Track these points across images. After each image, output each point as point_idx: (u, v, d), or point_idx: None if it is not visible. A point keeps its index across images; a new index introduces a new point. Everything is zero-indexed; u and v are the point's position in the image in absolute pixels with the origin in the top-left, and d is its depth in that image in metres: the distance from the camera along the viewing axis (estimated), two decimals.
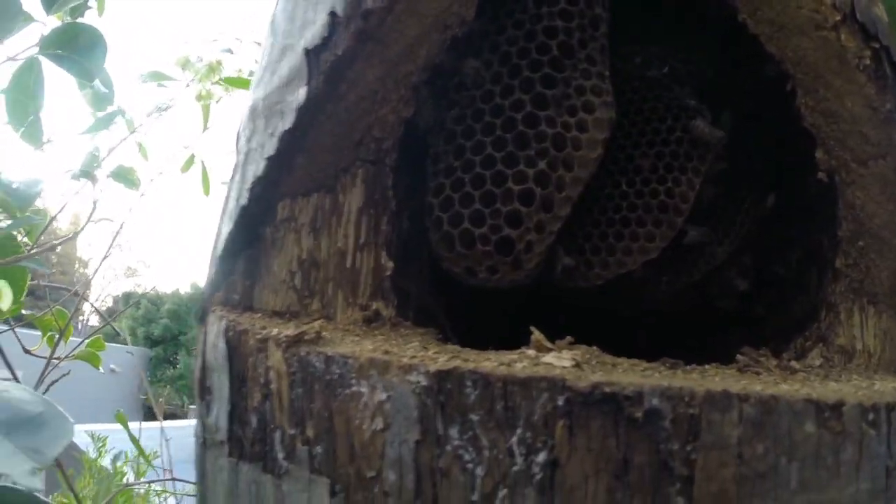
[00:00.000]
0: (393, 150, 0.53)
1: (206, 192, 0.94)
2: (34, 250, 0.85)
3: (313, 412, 0.44)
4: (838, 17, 0.50)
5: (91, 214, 0.86)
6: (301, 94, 0.49)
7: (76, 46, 0.78)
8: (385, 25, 0.49)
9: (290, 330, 0.46)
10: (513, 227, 0.50)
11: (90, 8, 0.93)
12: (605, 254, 0.54)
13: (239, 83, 0.95)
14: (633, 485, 0.39)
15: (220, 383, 0.51)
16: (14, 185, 0.85)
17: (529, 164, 0.51)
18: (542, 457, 0.39)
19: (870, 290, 0.58)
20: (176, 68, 0.92)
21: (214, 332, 0.51)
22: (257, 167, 0.51)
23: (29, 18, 0.79)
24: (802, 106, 0.54)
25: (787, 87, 0.54)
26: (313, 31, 0.51)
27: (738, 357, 0.54)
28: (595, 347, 0.45)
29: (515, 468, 0.39)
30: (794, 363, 0.55)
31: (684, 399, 0.39)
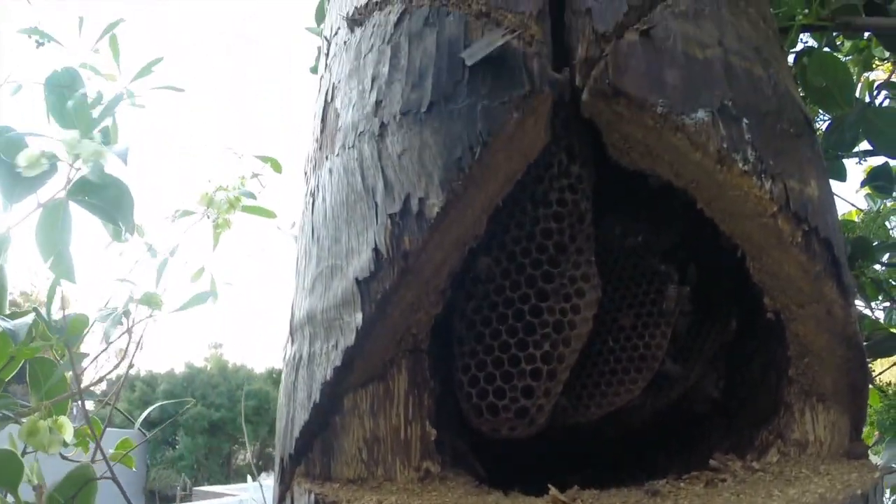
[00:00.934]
0: (427, 338, 0.76)
1: (215, 300, 1.15)
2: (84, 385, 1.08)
3: None
4: (775, 208, 0.72)
5: (126, 349, 1.07)
6: (358, 318, 0.71)
7: (103, 196, 0.98)
8: (420, 260, 0.71)
9: (373, 499, 0.70)
10: (527, 398, 0.74)
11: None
12: (598, 397, 0.78)
13: (256, 211, 1.15)
14: None
15: None
16: (55, 320, 1.07)
17: (537, 347, 0.74)
18: None
19: (818, 391, 0.82)
20: (200, 205, 1.11)
21: (305, 500, 0.75)
22: (325, 372, 0.74)
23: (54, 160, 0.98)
24: (751, 267, 0.77)
25: (738, 254, 0.77)
26: (360, 262, 0.72)
27: (711, 462, 0.79)
28: (595, 491, 0.69)
29: None
30: (754, 464, 0.81)
31: None
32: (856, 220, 1.34)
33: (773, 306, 0.76)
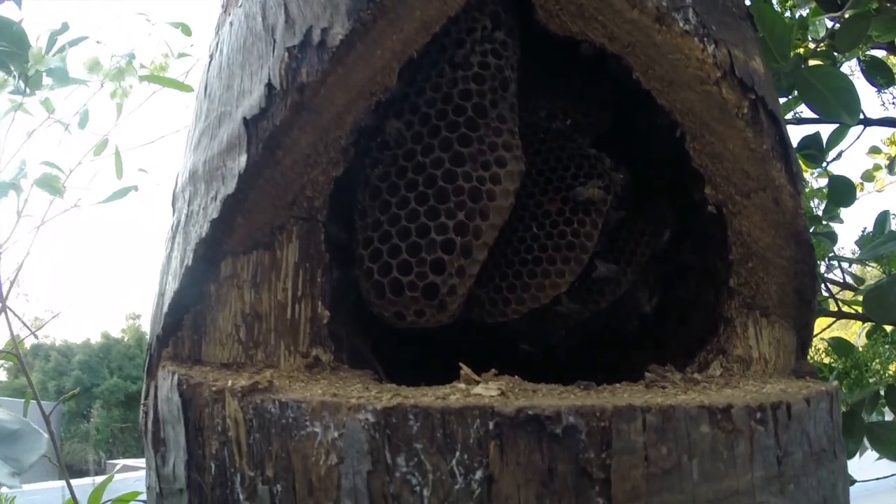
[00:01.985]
0: (324, 206, 0.65)
1: (119, 175, 1.02)
2: None
3: (272, 454, 0.55)
4: (719, 74, 0.65)
5: (14, 227, 0.93)
6: (242, 161, 0.60)
7: None
8: (318, 96, 0.61)
9: (243, 380, 0.58)
10: (437, 273, 0.63)
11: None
12: (520, 290, 0.67)
13: (165, 82, 1.03)
14: (558, 490, 0.52)
15: (176, 434, 0.61)
16: None
17: (450, 216, 0.63)
18: (479, 474, 0.51)
19: (761, 304, 0.73)
20: (83, 70, 0.99)
21: (167, 386, 0.62)
22: (201, 229, 0.62)
23: None
24: (691, 149, 0.69)
25: (677, 133, 0.69)
26: (251, 100, 0.62)
27: (646, 374, 0.68)
28: (516, 377, 0.58)
29: (457, 487, 0.52)
30: (696, 375, 0.70)
31: (596, 414, 0.52)
32: None
33: (715, 197, 0.68)
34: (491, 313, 0.67)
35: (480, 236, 0.63)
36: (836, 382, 0.64)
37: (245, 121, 0.61)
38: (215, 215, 0.60)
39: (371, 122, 0.67)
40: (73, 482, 1.06)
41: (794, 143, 1.16)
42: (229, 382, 0.57)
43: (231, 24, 0.67)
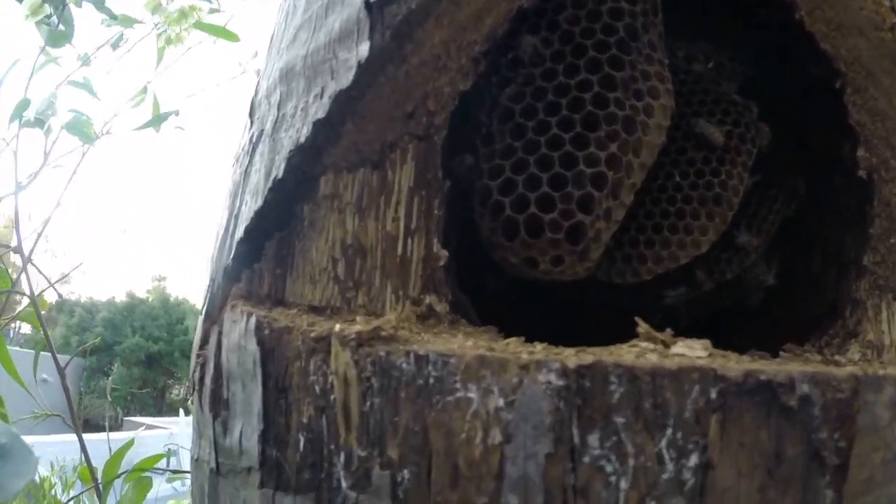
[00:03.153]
0: (444, 125, 0.46)
1: (157, 127, 0.80)
2: None
3: (399, 427, 0.36)
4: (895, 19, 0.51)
5: (40, 168, 0.70)
6: (363, 49, 0.41)
7: None
8: None
9: (360, 326, 0.38)
10: (585, 212, 0.45)
11: None
12: (658, 247, 0.50)
13: (215, 31, 0.82)
14: (784, 480, 0.35)
15: (247, 395, 0.41)
16: None
17: (601, 147, 0.46)
18: (693, 459, 0.34)
19: (894, 286, 0.58)
20: (145, 11, 0.78)
21: (239, 331, 0.41)
22: (298, 133, 0.42)
23: None
24: (850, 104, 0.54)
25: (836, 84, 0.53)
26: None
27: (781, 353, 0.52)
28: (703, 340, 0.41)
29: (665, 476, 0.34)
30: (838, 357, 0.55)
31: (832, 384, 0.35)
32: None
33: (869, 161, 0.53)
34: (621, 272, 0.50)
35: (631, 175, 0.46)
36: None
37: (367, 3, 0.42)
38: (322, 115, 0.41)
39: (502, 36, 0.48)
40: (89, 436, 0.82)
41: None
42: (337, 327, 0.37)
43: None
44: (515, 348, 0.37)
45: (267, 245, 0.42)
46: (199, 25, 0.81)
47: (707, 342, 0.39)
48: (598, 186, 0.45)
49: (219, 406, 0.42)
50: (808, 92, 0.56)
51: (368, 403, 0.37)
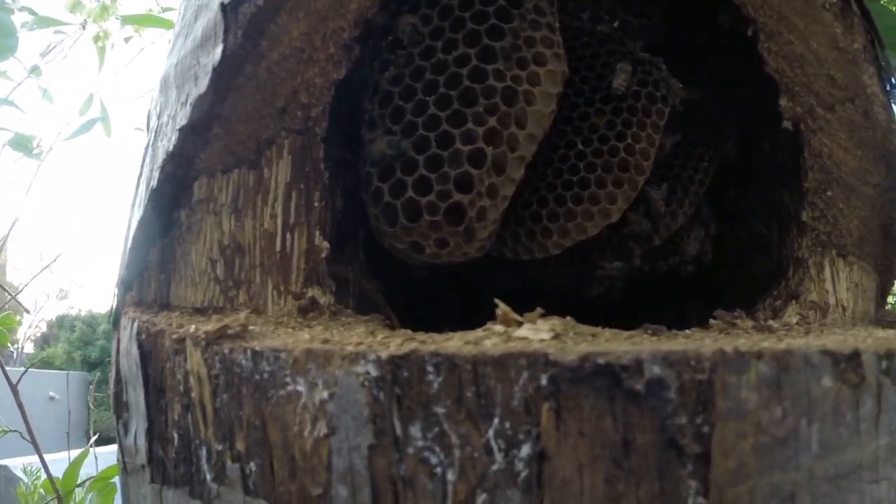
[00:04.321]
0: (323, 117, 0.41)
1: (108, 133, 0.79)
2: None
3: (243, 421, 0.32)
4: None
5: None
6: (217, 53, 0.37)
7: None
8: None
9: (210, 325, 0.34)
10: (463, 192, 0.39)
11: None
12: (563, 219, 0.44)
13: (140, 20, 0.80)
14: (635, 471, 0.28)
15: (136, 396, 0.38)
16: None
17: (478, 122, 0.40)
18: (526, 450, 0.28)
19: (838, 243, 0.49)
20: (65, 11, 0.78)
21: (127, 337, 0.39)
22: (168, 142, 0.39)
23: None
24: (765, 51, 0.45)
25: (749, 31, 0.45)
26: None
27: (711, 321, 0.44)
28: (568, 318, 0.34)
29: (495, 467, 0.28)
30: (771, 322, 0.46)
31: (691, 363, 0.28)
32: None
33: (792, 111, 0.44)
34: (528, 248, 0.44)
35: (516, 148, 0.40)
36: None
37: (223, 6, 0.37)
38: (185, 121, 0.37)
39: (381, 19, 0.43)
40: (102, 449, 0.83)
41: None
42: (192, 328, 0.33)
43: None
44: (353, 339, 0.32)
45: (151, 253, 0.39)
46: (130, 19, 0.78)
47: (563, 321, 0.33)
48: (477, 164, 0.39)
49: (121, 408, 0.40)
50: (730, 44, 0.47)
51: (219, 399, 0.33)
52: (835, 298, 0.48)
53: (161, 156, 0.39)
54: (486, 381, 0.28)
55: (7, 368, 0.76)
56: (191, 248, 0.39)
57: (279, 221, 0.40)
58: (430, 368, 0.28)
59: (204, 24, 0.40)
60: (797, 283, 0.49)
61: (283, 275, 0.39)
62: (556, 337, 0.30)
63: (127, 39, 0.80)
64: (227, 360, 0.33)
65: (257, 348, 0.32)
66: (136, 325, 0.38)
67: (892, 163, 0.46)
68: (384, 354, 0.29)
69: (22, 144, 0.69)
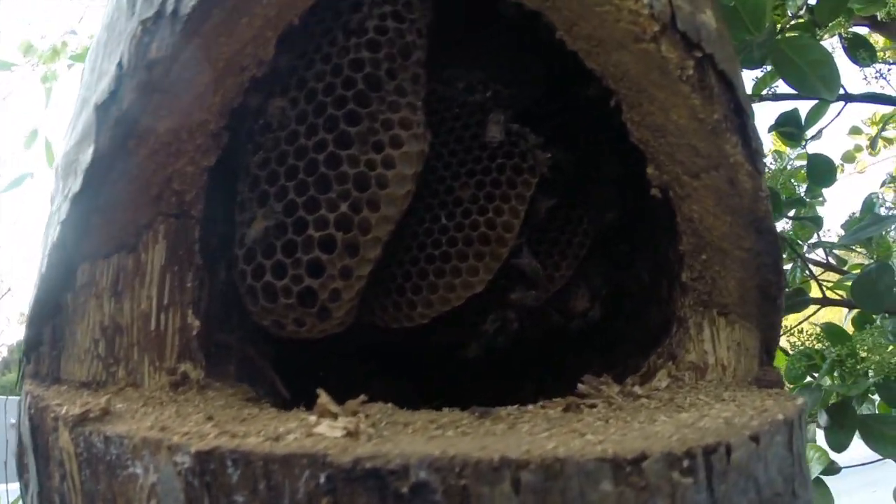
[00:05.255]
0: (198, 200, 0.49)
1: (50, 164, 0.89)
2: None
3: (100, 495, 0.41)
4: (657, 28, 0.45)
5: None
6: (88, 153, 0.45)
7: None
8: (171, 75, 0.45)
9: (76, 408, 0.43)
10: (314, 276, 0.46)
11: None
12: (426, 292, 0.50)
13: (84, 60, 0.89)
14: None
15: (30, 461, 0.47)
16: None
17: (331, 209, 0.46)
18: None
19: (719, 302, 0.53)
20: (18, 53, 0.87)
21: (23, 407, 0.48)
22: (54, 232, 0.47)
23: None
24: (629, 122, 0.49)
25: (611, 103, 0.49)
26: (104, 83, 0.47)
27: (579, 386, 0.50)
28: (389, 405, 0.41)
29: None
30: (636, 388, 0.51)
31: (455, 470, 0.34)
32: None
33: (660, 178, 0.49)
34: (395, 317, 0.50)
35: (369, 230, 0.46)
36: (801, 399, 0.45)
37: (96, 107, 0.45)
38: (63, 216, 0.45)
39: (255, 101, 0.50)
40: None
41: (772, 121, 0.94)
42: (65, 409, 0.42)
43: None
44: (184, 428, 0.40)
45: (44, 330, 0.48)
46: (76, 58, 0.87)
47: (380, 408, 0.40)
48: (327, 249, 0.46)
49: (22, 469, 0.49)
50: (602, 111, 0.51)
51: (83, 474, 0.41)
52: (714, 358, 0.53)
53: (49, 243, 0.48)
54: (275, 476, 0.35)
55: None
56: (76, 328, 0.47)
57: (154, 303, 0.47)
58: (229, 463, 0.36)
59: (84, 120, 0.48)
60: (677, 342, 0.53)
61: (158, 351, 0.47)
62: (350, 434, 0.37)
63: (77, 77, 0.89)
64: (87, 441, 0.41)
65: (108, 433, 0.40)
66: (28, 398, 0.47)
67: (761, 228, 0.49)
68: (194, 448, 0.36)
69: None
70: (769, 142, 1.13)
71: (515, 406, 0.46)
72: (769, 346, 0.53)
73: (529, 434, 0.39)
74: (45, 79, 0.88)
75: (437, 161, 0.51)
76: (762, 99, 0.91)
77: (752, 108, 0.49)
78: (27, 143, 0.89)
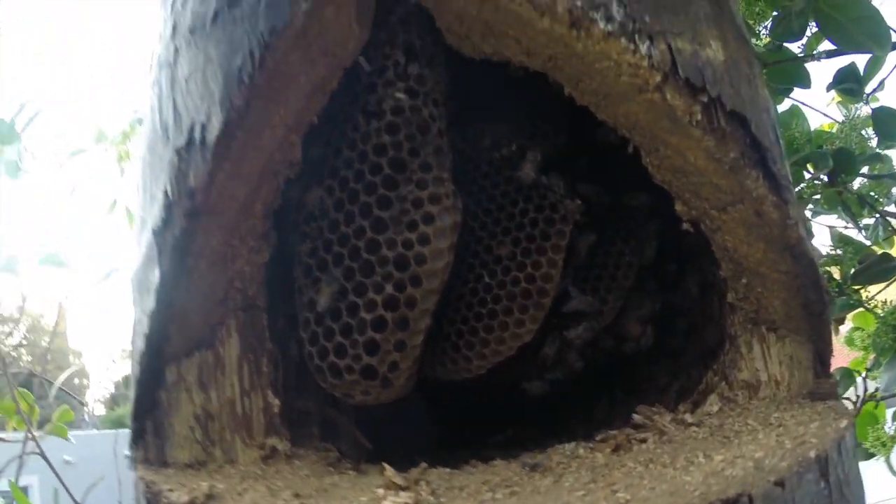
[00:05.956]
0: (260, 293, 0.57)
1: (131, 225, 1.02)
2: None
3: None
4: (659, 78, 0.49)
5: (23, 306, 0.95)
6: (155, 276, 0.54)
7: None
8: (211, 198, 0.52)
9: (184, 495, 0.53)
10: (371, 354, 0.54)
11: None
12: (479, 346, 0.57)
13: None
14: None
15: None
16: None
17: (377, 291, 0.54)
18: None
19: (767, 319, 0.58)
20: (90, 142, 0.98)
21: (139, 490, 0.59)
22: (140, 342, 0.57)
23: None
24: (649, 165, 0.53)
25: (629, 149, 0.54)
26: (155, 209, 0.55)
27: (634, 416, 0.57)
28: (447, 470, 0.49)
29: None
30: (688, 416, 0.57)
31: None
32: (832, 130, 1.05)
33: (689, 214, 0.53)
34: (454, 371, 0.58)
35: (416, 305, 0.53)
36: (847, 420, 0.49)
37: (154, 232, 0.54)
38: (146, 331, 0.55)
39: (296, 193, 0.57)
40: None
41: (830, 78, 0.93)
42: (175, 495, 0.52)
43: (143, 118, 0.60)
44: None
45: (146, 424, 0.58)
46: None
47: (441, 474, 0.48)
48: (379, 328, 0.54)
49: None
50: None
51: None
52: (766, 374, 0.57)
53: (137, 353, 0.58)
54: None
55: (79, 432, 1.03)
56: (173, 419, 0.57)
57: (237, 389, 0.57)
58: None
59: (146, 241, 0.56)
60: (729, 362, 0.58)
61: (247, 430, 0.57)
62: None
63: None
64: None
65: None
66: (142, 484, 0.58)
67: (795, 253, 0.53)
68: None
69: (52, 260, 0.91)
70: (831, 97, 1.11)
71: (572, 445, 0.53)
72: (822, 356, 0.57)
73: (570, 491, 0.47)
74: (119, 158, 0.99)
75: (473, 221, 0.58)
76: (813, 58, 0.90)
77: (777, 134, 0.52)
78: (109, 209, 1.02)
